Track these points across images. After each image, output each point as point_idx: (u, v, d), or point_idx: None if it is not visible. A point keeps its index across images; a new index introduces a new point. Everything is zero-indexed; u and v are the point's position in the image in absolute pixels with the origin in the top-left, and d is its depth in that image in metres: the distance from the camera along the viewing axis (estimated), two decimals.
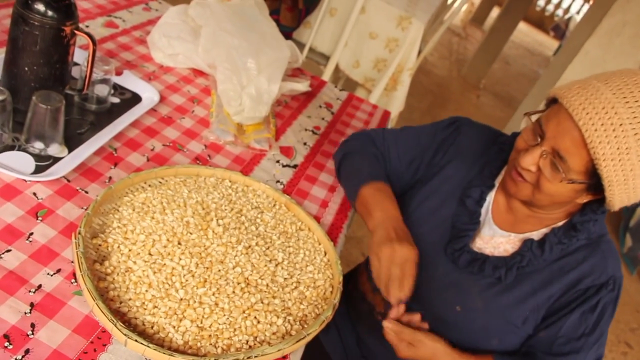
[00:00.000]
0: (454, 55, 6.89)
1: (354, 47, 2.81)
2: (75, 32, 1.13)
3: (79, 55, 1.32)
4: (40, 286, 0.90)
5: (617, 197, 0.96)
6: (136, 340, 0.83)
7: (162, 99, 1.45)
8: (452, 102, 5.49)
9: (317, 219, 1.31)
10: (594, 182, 0.96)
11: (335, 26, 2.82)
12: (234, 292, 0.98)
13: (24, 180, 1.05)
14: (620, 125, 0.90)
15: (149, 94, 1.42)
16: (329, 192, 1.42)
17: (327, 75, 2.80)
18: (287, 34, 2.75)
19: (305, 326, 1.01)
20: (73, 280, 0.94)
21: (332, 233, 1.29)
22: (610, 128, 0.90)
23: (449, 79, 6.04)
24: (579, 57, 2.99)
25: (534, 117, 1.05)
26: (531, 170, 1.01)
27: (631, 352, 3.24)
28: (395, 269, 1.06)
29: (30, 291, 0.89)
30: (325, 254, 1.19)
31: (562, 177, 0.97)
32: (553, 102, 1.01)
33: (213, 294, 0.96)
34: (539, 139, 1.00)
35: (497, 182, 1.17)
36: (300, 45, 2.82)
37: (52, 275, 0.93)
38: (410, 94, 3.10)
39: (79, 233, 0.94)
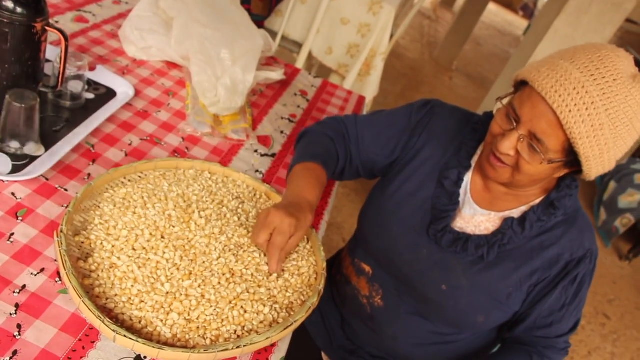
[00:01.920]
0: (425, 38, 6.91)
1: (326, 33, 2.81)
2: (47, 28, 1.12)
3: (51, 52, 1.30)
4: (24, 286, 0.90)
5: (594, 169, 1.00)
6: (125, 336, 0.83)
7: (137, 93, 1.44)
8: (426, 84, 5.51)
9: None
10: (572, 158, 0.99)
11: (306, 13, 2.81)
12: (219, 283, 0.99)
13: (2, 180, 1.04)
14: (592, 103, 0.93)
15: (123, 89, 1.41)
16: None
17: (300, 63, 2.80)
18: (259, 22, 2.74)
19: (292, 313, 1.03)
20: (57, 279, 0.93)
21: (314, 220, 1.30)
22: (583, 107, 0.93)
23: (421, 62, 6.06)
24: (548, 36, 3.03)
25: (505, 101, 1.07)
26: (510, 154, 1.03)
27: (609, 322, 3.32)
28: (265, 232, 1.04)
29: (14, 292, 0.88)
30: (308, 241, 1.20)
31: (542, 158, 1.00)
32: (522, 84, 1.03)
33: (199, 286, 0.97)
34: (515, 124, 1.02)
35: (473, 163, 1.19)
36: (273, 34, 2.81)
37: (36, 275, 0.92)
38: (383, 78, 3.11)
39: (61, 231, 0.93)
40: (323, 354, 1.46)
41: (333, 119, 1.35)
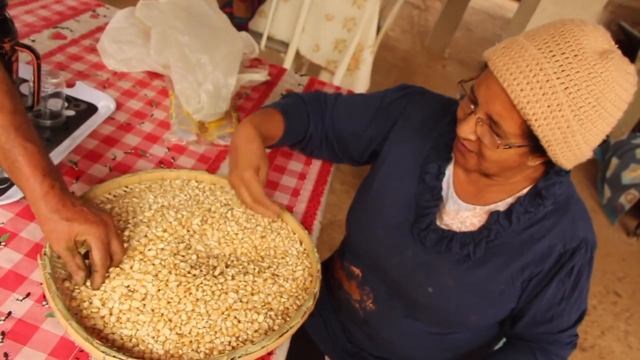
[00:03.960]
0: (415, 27, 6.88)
1: (312, 31, 2.78)
2: (16, 48, 1.10)
3: (26, 71, 1.28)
4: (10, 313, 0.87)
5: (562, 156, 0.92)
6: (114, 357, 0.81)
7: (119, 106, 1.42)
8: (419, 74, 5.48)
9: (290, 208, 1.29)
10: (534, 143, 0.93)
11: (290, 12, 2.78)
12: (212, 293, 0.96)
13: None
14: (547, 81, 0.86)
15: (104, 103, 1.39)
16: (299, 180, 1.40)
17: (288, 63, 2.77)
18: (243, 25, 2.71)
19: (288, 319, 1.00)
20: (44, 303, 0.91)
21: (306, 221, 1.28)
22: (537, 86, 0.86)
23: (413, 52, 6.03)
24: (535, 15, 3.00)
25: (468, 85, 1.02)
26: (470, 138, 0.98)
27: (620, 300, 3.29)
28: (242, 192, 1.09)
29: (0, 320, 0.86)
30: (301, 243, 1.18)
31: (499, 143, 0.94)
32: (486, 66, 0.96)
33: (189, 300, 0.94)
34: (474, 107, 0.97)
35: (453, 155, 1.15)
36: (258, 35, 2.79)
37: (21, 300, 0.90)
38: (375, 71, 3.08)
39: (45, 254, 0.91)
40: (327, 358, 1.43)
41: (317, 91, 1.32)
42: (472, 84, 1.00)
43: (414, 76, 5.37)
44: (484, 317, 1.14)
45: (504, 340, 1.27)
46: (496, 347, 1.27)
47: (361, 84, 2.83)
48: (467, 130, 0.98)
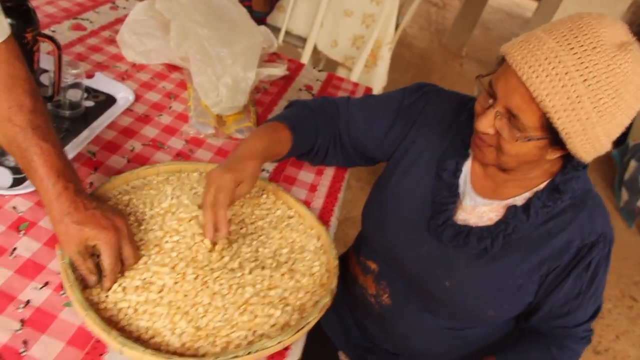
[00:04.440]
0: (433, 25, 6.84)
1: (330, 26, 2.77)
2: (38, 38, 1.10)
3: (47, 62, 1.28)
4: (28, 302, 0.88)
5: (581, 149, 0.92)
6: (132, 349, 0.81)
7: (138, 97, 1.42)
8: (436, 72, 5.45)
9: (307, 203, 1.29)
10: (554, 136, 0.92)
11: (308, 7, 2.77)
12: (229, 287, 0.96)
13: (2, 194, 1.02)
14: (566, 74, 0.85)
15: (123, 94, 1.39)
16: (317, 175, 1.40)
17: (305, 58, 2.76)
18: (261, 19, 2.70)
19: (304, 315, 1.00)
20: (62, 292, 0.91)
21: (324, 217, 1.27)
22: (556, 78, 0.86)
23: (430, 50, 5.99)
24: (557, 15, 2.96)
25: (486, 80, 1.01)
26: (489, 133, 0.98)
27: (637, 305, 3.25)
28: (208, 194, 0.98)
29: (18, 308, 0.86)
30: (319, 238, 1.17)
31: (519, 136, 0.93)
32: (504, 60, 0.96)
33: (206, 294, 0.94)
34: (492, 100, 0.97)
35: (471, 151, 1.14)
36: (276, 30, 2.78)
37: (40, 289, 0.90)
38: (392, 68, 3.06)
39: None
40: (340, 353, 1.43)
41: (324, 98, 1.29)
42: (489, 79, 1.00)
43: (431, 74, 5.34)
44: (501, 311, 1.13)
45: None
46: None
47: (378, 81, 2.81)
48: (486, 124, 0.97)
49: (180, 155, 1.29)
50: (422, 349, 1.26)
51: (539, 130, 0.92)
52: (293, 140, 1.17)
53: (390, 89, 1.32)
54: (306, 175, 1.38)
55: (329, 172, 1.42)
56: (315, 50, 2.84)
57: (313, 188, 1.35)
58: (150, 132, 1.33)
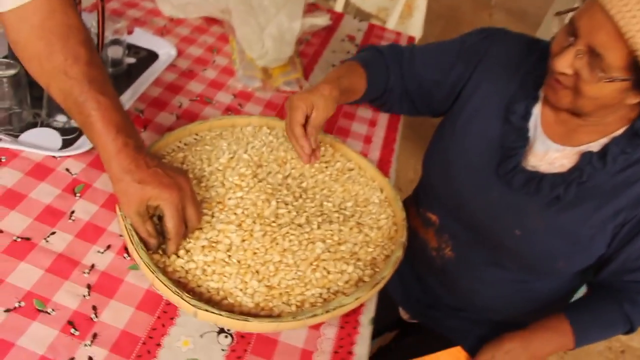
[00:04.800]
0: None
1: None
2: None
3: (85, 19, 1.22)
4: (93, 266, 0.84)
5: None
6: (207, 310, 0.76)
7: (180, 52, 1.36)
8: (465, 23, 5.28)
9: (364, 155, 1.22)
10: (638, 77, 0.85)
11: None
12: (299, 243, 0.91)
13: (54, 156, 0.98)
14: None
15: (165, 50, 1.33)
16: (370, 126, 1.33)
17: (338, 9, 2.66)
18: None
19: (377, 269, 0.94)
20: (126, 255, 0.87)
21: (382, 168, 1.21)
22: None
23: (459, 1, 5.81)
24: None
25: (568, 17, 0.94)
26: (567, 73, 0.90)
27: None
28: (290, 119, 1.02)
29: (84, 272, 0.82)
30: (382, 191, 1.11)
31: (601, 77, 0.86)
32: None
33: (276, 251, 0.89)
34: (573, 39, 0.89)
35: (541, 93, 1.06)
36: None
37: (103, 253, 0.86)
38: None
39: None
40: (400, 309, 1.38)
41: (390, 44, 1.28)
42: (571, 16, 0.92)
43: (460, 26, 5.18)
44: (571, 262, 1.07)
45: (581, 290, 1.21)
46: (574, 298, 1.20)
47: (414, 32, 2.70)
48: (564, 64, 0.90)
49: (229, 110, 1.23)
50: (486, 303, 1.21)
51: (624, 71, 0.85)
52: (367, 77, 1.16)
53: (419, 41, 1.27)
54: (359, 127, 1.32)
55: (382, 121, 1.36)
56: (347, 2, 2.74)
57: (368, 139, 1.28)
58: (196, 87, 1.27)
